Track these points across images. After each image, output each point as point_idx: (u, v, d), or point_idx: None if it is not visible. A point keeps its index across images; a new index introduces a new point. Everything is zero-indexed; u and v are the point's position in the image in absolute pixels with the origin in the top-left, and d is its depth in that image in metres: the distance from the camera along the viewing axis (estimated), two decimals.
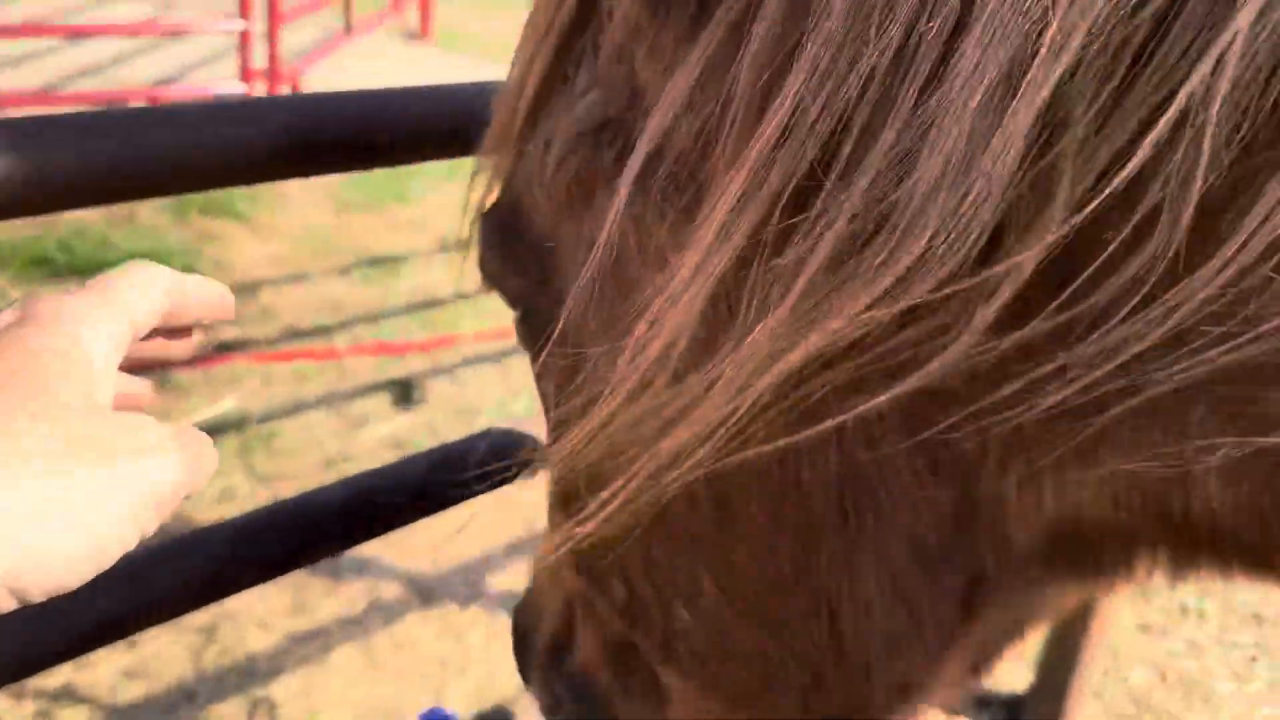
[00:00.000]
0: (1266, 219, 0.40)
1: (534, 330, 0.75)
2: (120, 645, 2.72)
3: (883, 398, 0.51)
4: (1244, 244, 0.41)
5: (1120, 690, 2.93)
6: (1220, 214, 0.42)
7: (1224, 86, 0.39)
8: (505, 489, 3.54)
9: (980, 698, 2.86)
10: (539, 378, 0.78)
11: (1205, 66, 0.39)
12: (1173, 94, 0.40)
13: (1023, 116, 0.42)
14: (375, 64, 9.46)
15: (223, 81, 6.65)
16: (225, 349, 4.23)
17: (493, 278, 0.81)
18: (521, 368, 4.27)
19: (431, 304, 4.78)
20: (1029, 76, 0.41)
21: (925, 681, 0.70)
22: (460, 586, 3.04)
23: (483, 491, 1.14)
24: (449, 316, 4.67)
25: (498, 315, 4.69)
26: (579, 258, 0.65)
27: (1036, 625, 0.76)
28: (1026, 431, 0.52)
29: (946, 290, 0.46)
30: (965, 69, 0.42)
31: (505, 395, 4.04)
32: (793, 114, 0.46)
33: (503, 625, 2.92)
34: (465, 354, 4.36)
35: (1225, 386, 0.45)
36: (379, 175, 6.37)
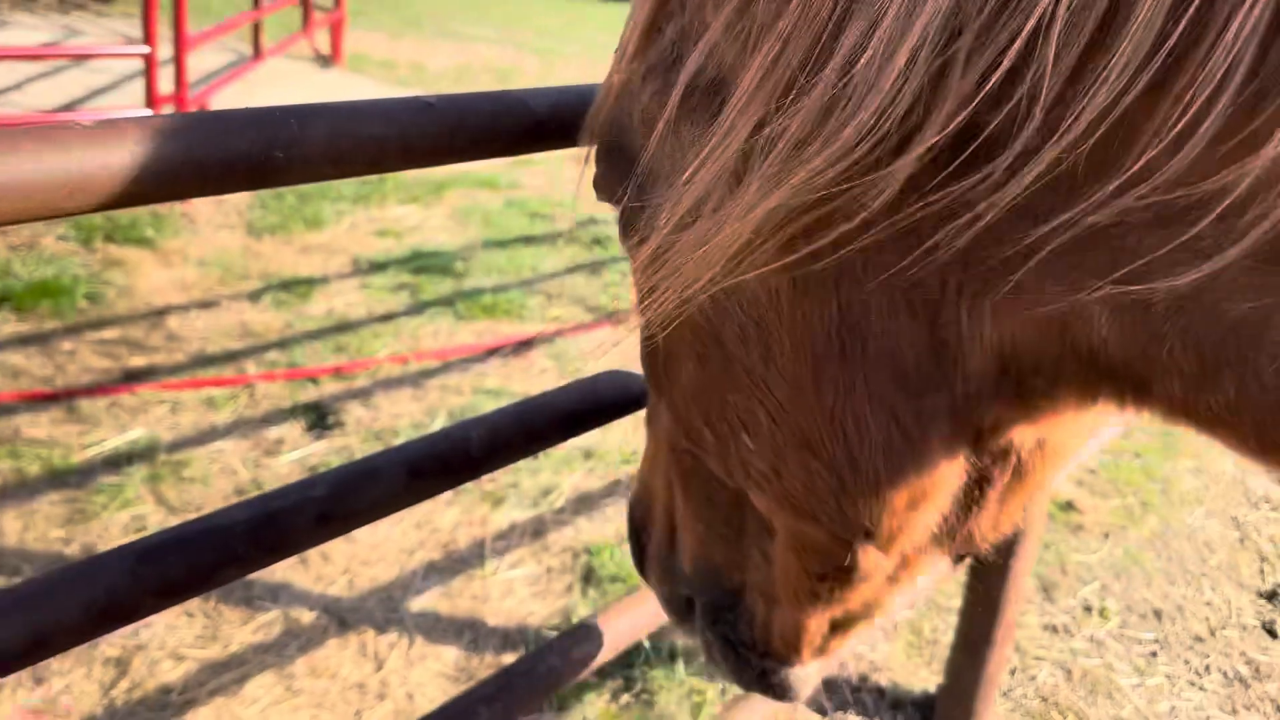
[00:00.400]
0: (1099, 103, 0.56)
1: (629, 228, 0.91)
2: (28, 680, 2.64)
3: (842, 229, 0.69)
4: (1083, 125, 0.57)
5: (1028, 689, 3.03)
6: (1069, 102, 0.58)
7: (1062, 10, 0.55)
8: (427, 506, 3.46)
9: (892, 699, 2.92)
10: (633, 272, 0.94)
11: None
12: (1029, 15, 0.56)
13: (928, 27, 0.58)
14: (285, 89, 9.34)
15: (128, 108, 6.51)
16: (132, 378, 4.13)
17: (601, 188, 0.97)
18: (437, 388, 4.26)
19: (344, 327, 4.73)
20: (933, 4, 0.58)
21: (926, 496, 0.85)
22: (377, 610, 3.02)
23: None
24: (362, 340, 4.62)
25: (411, 337, 4.67)
26: (664, 168, 0.84)
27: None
28: (970, 273, 0.69)
29: (876, 154, 0.63)
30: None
31: (421, 417, 4.02)
32: (782, 42, 0.65)
33: (421, 649, 2.91)
34: (379, 377, 4.32)
35: (1103, 239, 0.61)
36: (290, 199, 6.30)
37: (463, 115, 1.11)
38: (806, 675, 1.13)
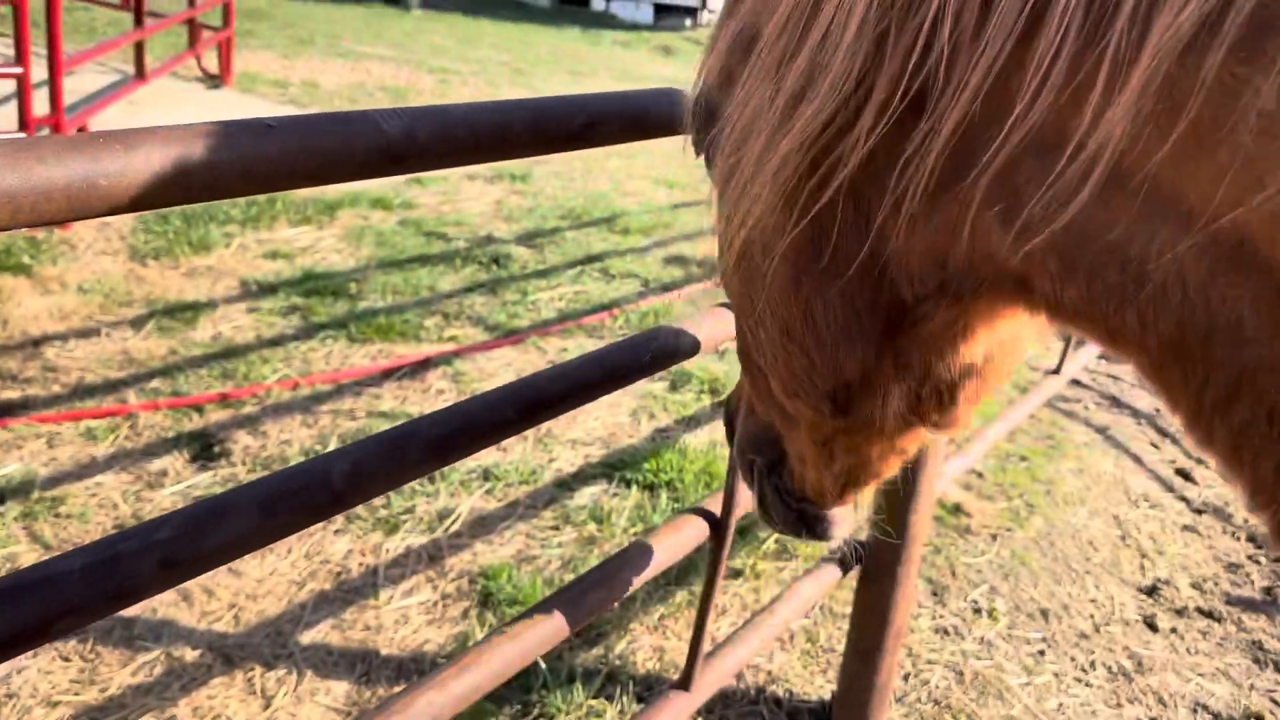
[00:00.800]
0: (982, 67, 0.72)
1: (710, 166, 1.12)
2: None
3: (835, 168, 0.87)
4: (974, 83, 0.73)
5: (921, 693, 3.08)
6: (965, 66, 0.74)
7: None
8: (317, 535, 3.37)
9: (790, 709, 2.94)
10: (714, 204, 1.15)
11: None
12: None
13: (868, 7, 0.77)
14: (170, 110, 9.09)
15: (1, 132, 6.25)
16: (5, 411, 3.95)
17: (697, 145, 1.19)
18: (329, 412, 4.17)
19: (231, 353, 4.60)
20: None
21: (876, 374, 1.05)
22: (265, 646, 2.93)
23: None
24: (250, 365, 4.50)
25: (303, 361, 4.56)
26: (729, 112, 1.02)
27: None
28: (909, 203, 0.84)
29: (850, 108, 0.82)
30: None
31: (312, 443, 3.93)
32: (779, 27, 0.88)
33: (311, 683, 2.83)
34: (268, 403, 4.21)
35: (1002, 170, 0.75)
36: (175, 221, 6.12)
37: (306, 137, 1.08)
38: (834, 520, 1.43)
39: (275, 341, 4.79)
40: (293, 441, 3.94)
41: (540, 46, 17.28)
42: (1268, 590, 3.90)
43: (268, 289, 5.39)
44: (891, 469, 1.31)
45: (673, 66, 17.56)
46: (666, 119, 1.64)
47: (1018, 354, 1.16)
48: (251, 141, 1.03)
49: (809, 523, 1.43)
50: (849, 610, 2.88)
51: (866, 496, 1.42)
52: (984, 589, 3.61)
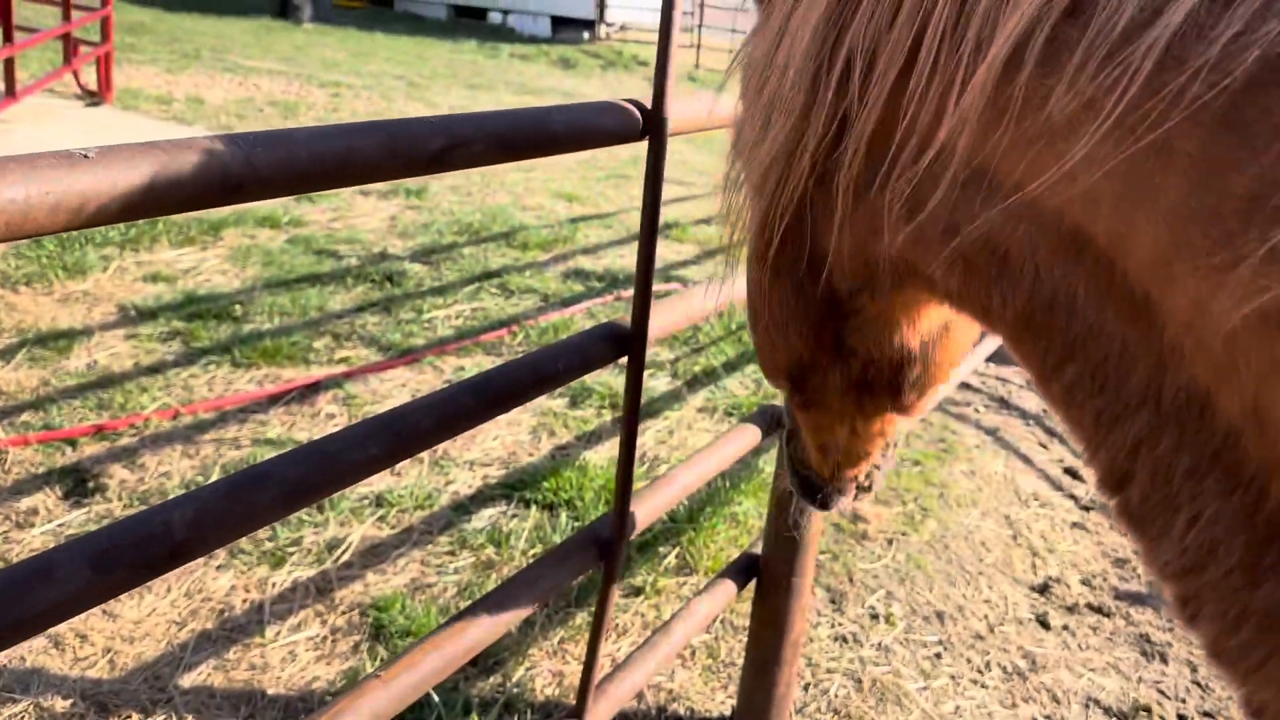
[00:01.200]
0: (876, 94, 0.87)
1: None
2: None
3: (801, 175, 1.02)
4: (871, 120, 0.89)
5: (821, 703, 3.08)
6: (869, 95, 0.89)
7: (863, 33, 0.87)
8: (198, 571, 3.22)
9: None
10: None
11: (859, 23, 0.87)
12: (845, 45, 0.89)
13: (805, 55, 0.93)
14: (46, 128, 8.72)
15: None
16: None
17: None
18: (212, 442, 4.01)
19: (107, 382, 4.41)
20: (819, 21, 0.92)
21: (822, 359, 1.23)
22: (143, 691, 2.79)
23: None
24: (128, 395, 4.31)
25: (184, 388, 4.39)
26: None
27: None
28: (831, 202, 1.00)
29: (797, 135, 0.98)
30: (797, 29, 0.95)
31: (194, 475, 3.78)
32: (757, 60, 1.05)
33: None
34: (146, 434, 4.03)
35: (897, 177, 0.90)
36: (49, 245, 5.85)
37: (127, 168, 1.01)
38: (830, 493, 1.59)
39: (155, 369, 4.60)
40: (173, 474, 3.78)
41: (436, 60, 17.09)
42: (1153, 583, 4.02)
43: (147, 314, 5.18)
44: (871, 450, 1.47)
45: (573, 79, 17.55)
46: (535, 139, 1.60)
47: (959, 343, 1.28)
48: (63, 173, 0.96)
49: (809, 489, 1.62)
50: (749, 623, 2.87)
51: (874, 476, 1.59)
52: (881, 594, 3.64)
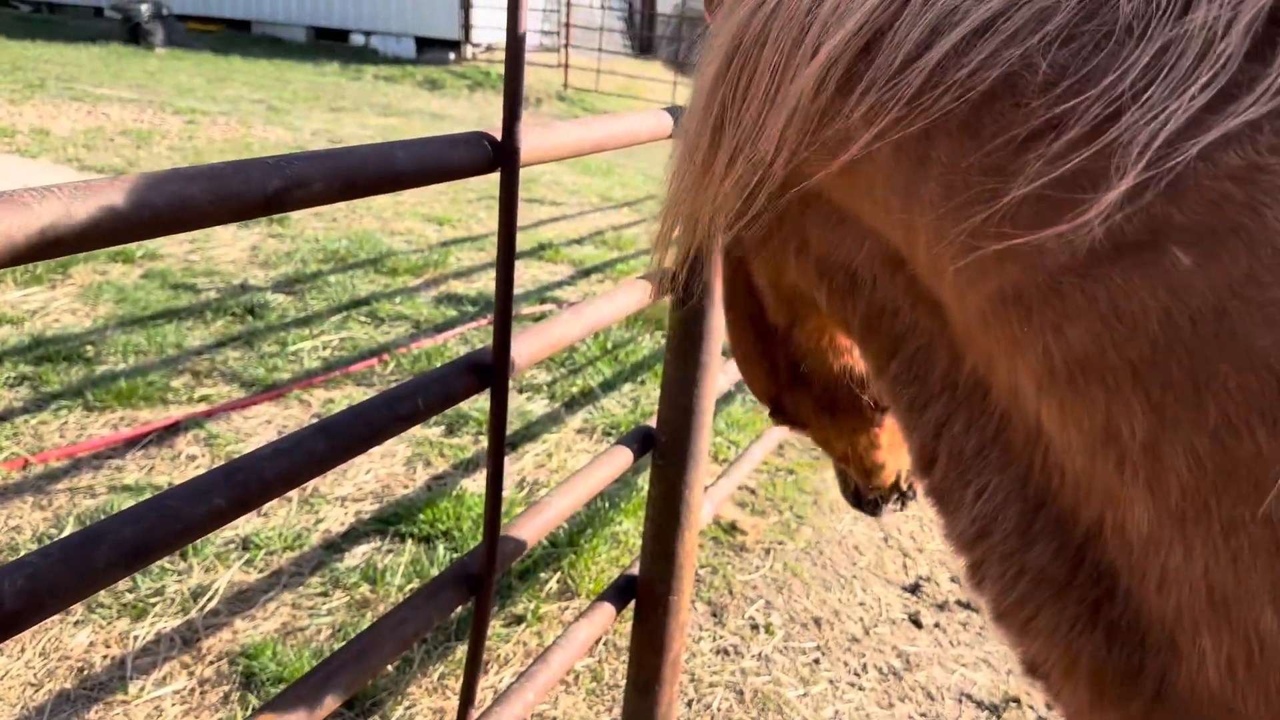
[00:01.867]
0: (763, 140, 0.88)
1: None
2: None
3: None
4: (762, 150, 0.88)
5: (704, 717, 3.11)
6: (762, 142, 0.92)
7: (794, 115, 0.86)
8: (54, 629, 3.06)
9: None
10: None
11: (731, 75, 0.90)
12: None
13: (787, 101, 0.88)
14: None
15: None
16: None
17: None
18: (65, 491, 3.82)
19: None
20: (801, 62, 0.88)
21: (784, 385, 1.32)
22: None
23: None
24: None
25: (34, 436, 4.18)
26: None
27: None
28: (748, 245, 1.11)
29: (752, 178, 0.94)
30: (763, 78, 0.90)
31: (46, 527, 3.59)
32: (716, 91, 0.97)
33: None
34: None
35: (788, 223, 1.01)
36: None
37: None
38: (876, 500, 1.64)
39: (2, 417, 4.36)
40: (24, 527, 3.59)
41: (297, 83, 16.70)
42: None
43: None
44: (881, 461, 1.50)
45: (440, 99, 17.38)
46: (378, 177, 1.58)
47: None
48: None
49: (856, 497, 1.71)
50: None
51: (899, 485, 1.62)
52: (760, 604, 3.70)
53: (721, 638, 3.50)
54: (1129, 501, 0.66)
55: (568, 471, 4.43)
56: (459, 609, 2.68)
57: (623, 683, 3.18)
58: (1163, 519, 0.64)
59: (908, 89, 0.73)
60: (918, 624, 3.78)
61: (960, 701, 3.39)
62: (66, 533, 3.49)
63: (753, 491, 4.50)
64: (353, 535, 3.80)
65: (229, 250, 7.00)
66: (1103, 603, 0.72)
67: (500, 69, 21.86)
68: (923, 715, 3.30)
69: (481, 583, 2.14)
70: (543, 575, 3.70)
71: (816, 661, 3.46)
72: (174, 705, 2.90)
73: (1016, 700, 3.42)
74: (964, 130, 0.71)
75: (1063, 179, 0.65)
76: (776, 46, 0.85)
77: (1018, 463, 0.77)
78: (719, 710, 3.15)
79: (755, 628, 3.58)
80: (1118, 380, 0.64)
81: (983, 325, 0.74)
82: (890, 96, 0.74)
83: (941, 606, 3.89)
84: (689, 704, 3.16)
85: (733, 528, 4.18)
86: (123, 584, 3.34)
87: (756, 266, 1.15)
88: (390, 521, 3.90)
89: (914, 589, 3.98)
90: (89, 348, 5.12)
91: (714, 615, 3.62)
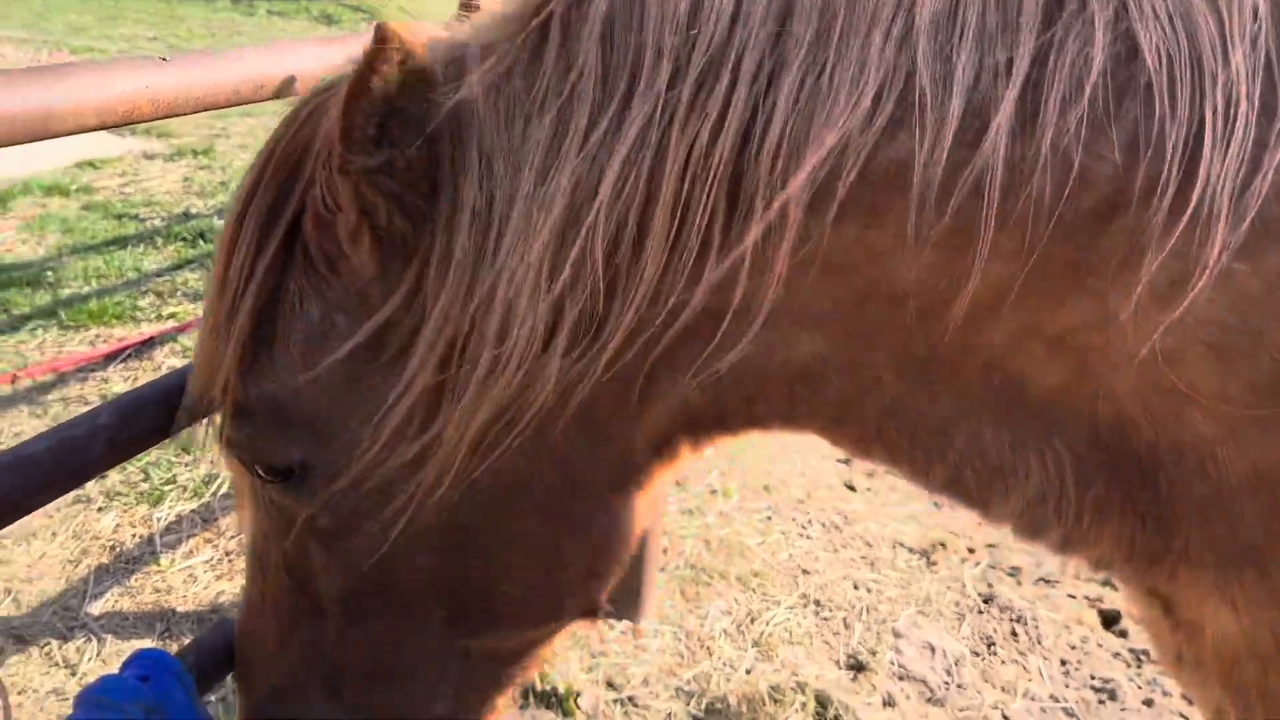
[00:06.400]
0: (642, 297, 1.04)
1: (317, 473, 1.20)
2: None
3: (530, 413, 1.09)
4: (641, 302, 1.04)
5: (679, 561, 3.55)
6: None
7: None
8: (80, 516, 3.36)
9: None
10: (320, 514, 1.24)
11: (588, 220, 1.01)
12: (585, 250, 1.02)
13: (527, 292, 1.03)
14: None
15: None
16: None
17: (254, 451, 1.23)
18: (58, 401, 4.03)
19: None
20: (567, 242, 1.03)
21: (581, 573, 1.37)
22: (57, 621, 2.91)
23: None
24: None
25: (16, 355, 4.35)
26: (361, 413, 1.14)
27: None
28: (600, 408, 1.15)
29: (533, 361, 1.05)
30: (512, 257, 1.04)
31: None
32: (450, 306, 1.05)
33: (115, 646, 2.87)
34: None
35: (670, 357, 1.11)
36: None
37: None
38: None
39: None
40: (26, 432, 3.80)
41: (191, 20, 16.28)
42: None
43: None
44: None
45: (335, 35, 17.13)
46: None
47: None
48: None
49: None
50: None
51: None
52: (715, 474, 4.14)
53: (685, 500, 3.93)
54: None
55: None
56: None
57: None
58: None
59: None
60: (852, 489, 4.27)
61: (894, 548, 3.89)
62: None
63: None
64: None
65: (161, 182, 7.07)
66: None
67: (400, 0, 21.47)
68: (863, 558, 3.79)
69: None
70: None
71: (769, 519, 3.92)
72: (206, 572, 3.20)
73: (944, 544, 3.94)
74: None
75: None
76: None
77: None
78: (691, 555, 3.58)
79: (714, 492, 4.02)
80: None
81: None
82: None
83: (871, 474, 4.38)
84: (664, 550, 3.58)
85: None
86: (135, 475, 3.60)
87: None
88: None
89: (847, 460, 4.46)
90: (49, 274, 5.24)
91: (677, 483, 4.05)
